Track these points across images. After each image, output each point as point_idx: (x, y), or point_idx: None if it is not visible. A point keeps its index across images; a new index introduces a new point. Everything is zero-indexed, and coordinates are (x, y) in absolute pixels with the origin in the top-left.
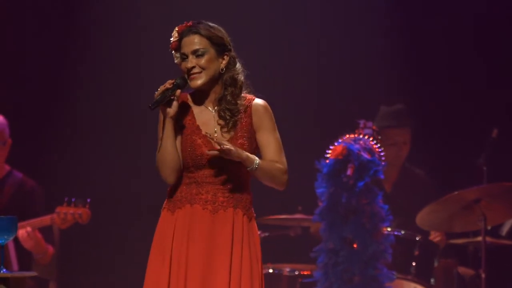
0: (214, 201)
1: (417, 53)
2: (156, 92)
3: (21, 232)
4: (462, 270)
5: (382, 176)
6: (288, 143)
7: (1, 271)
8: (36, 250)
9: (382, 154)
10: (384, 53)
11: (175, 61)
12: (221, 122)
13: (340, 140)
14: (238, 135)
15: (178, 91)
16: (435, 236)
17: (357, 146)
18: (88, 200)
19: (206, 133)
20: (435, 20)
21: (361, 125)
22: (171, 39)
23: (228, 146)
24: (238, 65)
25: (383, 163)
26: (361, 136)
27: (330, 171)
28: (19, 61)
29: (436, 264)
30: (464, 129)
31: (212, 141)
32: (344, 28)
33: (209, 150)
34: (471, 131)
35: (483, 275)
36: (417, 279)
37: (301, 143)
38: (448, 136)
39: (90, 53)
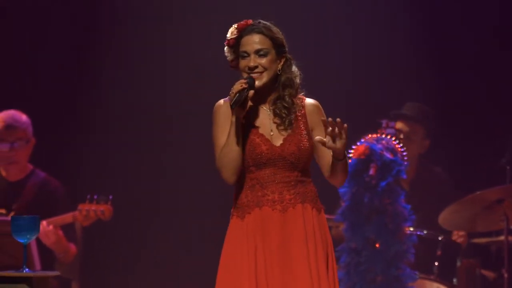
0: (282, 200)
1: (440, 53)
2: (231, 92)
3: (42, 229)
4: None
5: (404, 176)
6: None
7: (24, 271)
8: (57, 248)
9: (404, 154)
10: (406, 53)
11: (228, 58)
12: (277, 120)
13: (362, 140)
14: (296, 132)
15: (252, 91)
16: (458, 236)
17: (379, 145)
18: (110, 197)
19: (326, 119)
20: (459, 20)
21: (384, 125)
22: (228, 35)
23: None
24: (294, 68)
25: (405, 163)
26: (383, 136)
27: (352, 171)
28: (39, 60)
29: (458, 264)
30: (487, 129)
31: (329, 123)
32: (366, 30)
33: (327, 143)
34: (494, 130)
35: (505, 275)
36: (439, 279)
37: None
38: (471, 136)
39: (112, 52)
